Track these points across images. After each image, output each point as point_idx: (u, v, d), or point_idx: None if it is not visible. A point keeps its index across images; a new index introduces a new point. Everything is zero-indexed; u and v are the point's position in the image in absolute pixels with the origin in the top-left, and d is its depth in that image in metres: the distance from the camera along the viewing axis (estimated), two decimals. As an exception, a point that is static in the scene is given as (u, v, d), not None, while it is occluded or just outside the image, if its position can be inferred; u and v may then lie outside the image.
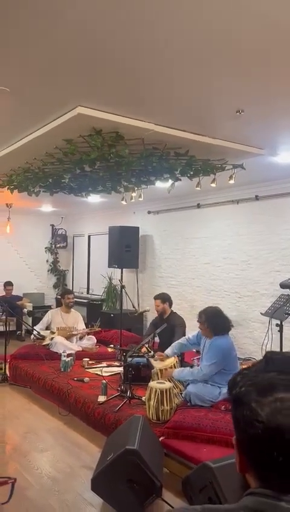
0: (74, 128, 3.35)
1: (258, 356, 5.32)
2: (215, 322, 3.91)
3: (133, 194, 5.11)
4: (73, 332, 6.07)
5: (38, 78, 2.64)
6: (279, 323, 4.70)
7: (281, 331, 4.69)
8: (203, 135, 3.67)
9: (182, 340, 4.49)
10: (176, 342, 4.53)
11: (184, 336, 5.09)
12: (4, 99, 2.96)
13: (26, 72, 2.57)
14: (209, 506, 0.75)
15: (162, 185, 4.70)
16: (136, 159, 3.82)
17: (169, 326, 5.02)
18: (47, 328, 6.14)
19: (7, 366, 5.60)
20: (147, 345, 4.82)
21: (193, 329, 4.85)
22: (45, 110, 3.18)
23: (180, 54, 2.31)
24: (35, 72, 2.56)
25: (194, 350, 5.39)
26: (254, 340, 5.72)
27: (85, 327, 6.35)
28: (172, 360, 4.23)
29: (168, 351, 4.41)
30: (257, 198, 5.81)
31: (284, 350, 4.76)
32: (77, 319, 6.30)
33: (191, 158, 3.95)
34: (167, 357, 4.35)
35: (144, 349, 4.76)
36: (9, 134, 3.84)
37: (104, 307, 8.28)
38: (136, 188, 4.95)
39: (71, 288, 9.81)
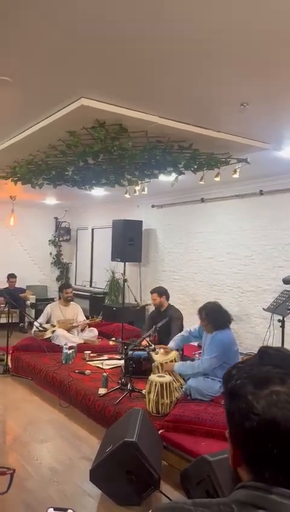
0: (77, 120, 3.33)
1: (260, 351, 5.31)
2: (215, 317, 3.91)
3: (137, 188, 5.09)
4: (73, 324, 6.08)
5: (41, 69, 2.63)
6: (281, 318, 4.70)
7: (283, 326, 4.68)
8: (207, 128, 3.64)
9: (184, 332, 4.51)
10: (178, 334, 4.55)
11: (182, 328, 5.11)
12: (6, 90, 2.94)
13: (29, 63, 2.55)
14: (200, 500, 0.75)
15: (165, 178, 4.68)
16: (139, 152, 3.80)
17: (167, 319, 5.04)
18: (47, 322, 6.16)
19: (9, 357, 5.63)
20: (148, 339, 4.83)
21: (195, 323, 4.85)
22: (47, 102, 3.17)
23: (184, 46, 2.29)
24: (39, 62, 2.54)
25: (196, 344, 5.40)
26: (255, 336, 5.72)
27: (85, 319, 6.37)
28: (173, 354, 4.23)
29: (171, 344, 4.42)
30: (261, 193, 5.78)
31: (285, 346, 4.75)
32: (76, 312, 6.31)
33: (195, 151, 3.92)
34: (171, 350, 4.36)
35: (144, 343, 4.77)
36: (12, 126, 3.83)
37: (106, 300, 8.30)
38: (139, 182, 4.93)
39: (74, 281, 9.84)
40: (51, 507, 0.99)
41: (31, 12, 2.00)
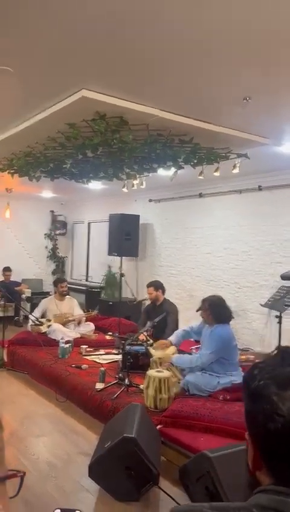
0: (77, 112, 3.28)
1: (257, 347, 5.34)
2: (218, 310, 3.91)
3: (135, 182, 5.05)
4: (69, 318, 6.06)
5: (43, 59, 2.57)
6: (278, 314, 4.70)
7: (280, 322, 4.69)
8: (208, 122, 3.61)
9: (186, 327, 4.51)
10: (181, 329, 4.55)
11: (177, 322, 5.09)
12: (7, 80, 2.88)
13: (30, 53, 2.50)
14: (218, 503, 0.73)
15: (164, 172, 4.64)
16: (139, 146, 3.76)
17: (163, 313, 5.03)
18: (42, 316, 6.13)
19: (5, 351, 5.59)
20: (145, 333, 4.82)
21: (191, 317, 4.84)
22: (48, 93, 3.11)
23: (188, 39, 2.25)
24: (40, 53, 2.49)
25: (193, 339, 5.40)
26: (252, 331, 5.73)
27: (82, 312, 6.34)
28: (172, 350, 4.22)
29: (172, 337, 4.39)
30: (260, 188, 5.76)
31: (282, 341, 4.76)
32: (72, 305, 6.28)
33: (196, 146, 3.89)
34: (171, 344, 4.35)
35: (142, 338, 4.76)
36: (10, 117, 3.76)
37: (102, 295, 8.27)
38: (138, 175, 4.89)
39: (70, 275, 9.79)
40: (58, 508, 0.97)
41: (33, 8, 1.95)
